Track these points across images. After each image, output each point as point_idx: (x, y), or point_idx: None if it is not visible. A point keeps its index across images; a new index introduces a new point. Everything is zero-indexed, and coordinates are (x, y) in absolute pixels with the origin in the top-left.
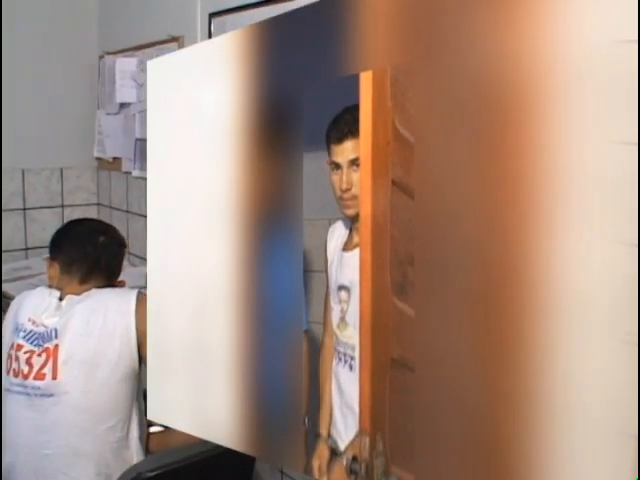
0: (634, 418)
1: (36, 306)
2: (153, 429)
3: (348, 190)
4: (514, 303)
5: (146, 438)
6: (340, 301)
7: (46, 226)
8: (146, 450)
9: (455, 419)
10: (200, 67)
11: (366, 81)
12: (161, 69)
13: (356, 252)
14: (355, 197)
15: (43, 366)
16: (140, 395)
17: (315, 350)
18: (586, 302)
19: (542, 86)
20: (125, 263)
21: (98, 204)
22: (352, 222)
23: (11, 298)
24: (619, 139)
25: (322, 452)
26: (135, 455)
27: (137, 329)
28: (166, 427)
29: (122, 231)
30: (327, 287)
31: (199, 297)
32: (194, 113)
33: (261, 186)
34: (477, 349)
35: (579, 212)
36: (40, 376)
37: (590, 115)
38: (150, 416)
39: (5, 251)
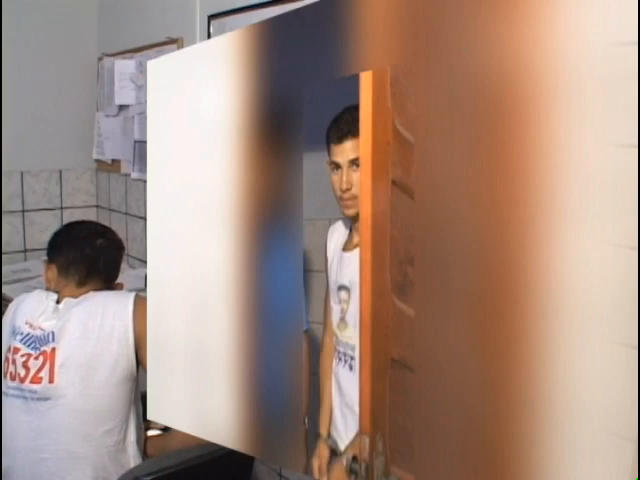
0: (634, 421)
1: (33, 309)
2: (150, 433)
3: (348, 190)
4: (514, 303)
5: (143, 442)
6: (340, 301)
7: (45, 228)
8: (143, 454)
9: (455, 419)
10: (200, 67)
11: (366, 81)
12: (161, 69)
13: (356, 252)
14: (355, 197)
15: (40, 369)
16: (138, 398)
17: (315, 350)
18: (586, 304)
19: (542, 87)
20: (124, 265)
21: (97, 206)
22: (352, 222)
23: (9, 300)
24: (619, 141)
25: (322, 452)
26: (132, 459)
27: (135, 332)
28: (163, 431)
29: (121, 233)
30: (327, 287)
31: (199, 297)
32: (194, 113)
33: (261, 186)
34: (477, 349)
35: (579, 214)
36: (37, 379)
37: (590, 117)
38: (150, 416)
39: (4, 253)
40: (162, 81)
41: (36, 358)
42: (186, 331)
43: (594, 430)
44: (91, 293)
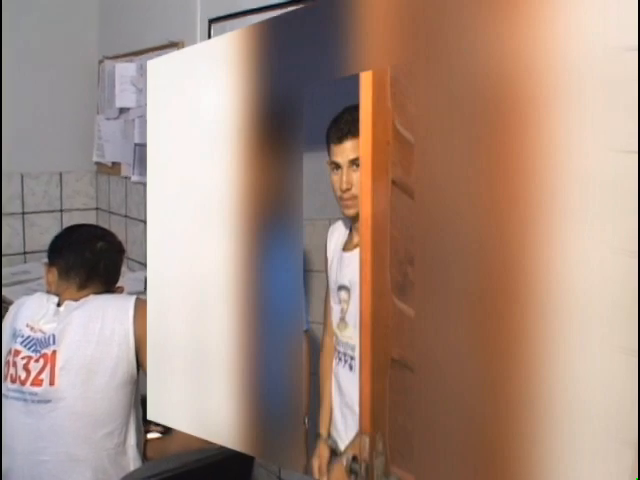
0: (634, 422)
1: (34, 312)
2: (150, 435)
3: (348, 190)
4: (514, 303)
5: (143, 445)
6: (340, 301)
7: (45, 230)
8: (143, 457)
9: (455, 419)
10: (200, 67)
11: (366, 81)
12: (161, 69)
13: (356, 252)
14: (355, 197)
15: (40, 372)
16: (138, 401)
17: (315, 350)
18: (585, 304)
19: (542, 87)
20: (124, 268)
21: (97, 209)
22: (352, 222)
23: (9, 302)
24: (619, 142)
25: (322, 452)
26: (132, 462)
27: (135, 335)
28: (163, 433)
29: (121, 236)
30: (327, 287)
31: (199, 297)
32: (194, 113)
33: (261, 187)
34: (477, 349)
35: (579, 214)
36: (37, 382)
37: (590, 117)
38: (150, 416)
39: (4, 255)
40: (162, 81)
41: (37, 361)
42: (186, 331)
43: (594, 430)
44: (92, 296)
